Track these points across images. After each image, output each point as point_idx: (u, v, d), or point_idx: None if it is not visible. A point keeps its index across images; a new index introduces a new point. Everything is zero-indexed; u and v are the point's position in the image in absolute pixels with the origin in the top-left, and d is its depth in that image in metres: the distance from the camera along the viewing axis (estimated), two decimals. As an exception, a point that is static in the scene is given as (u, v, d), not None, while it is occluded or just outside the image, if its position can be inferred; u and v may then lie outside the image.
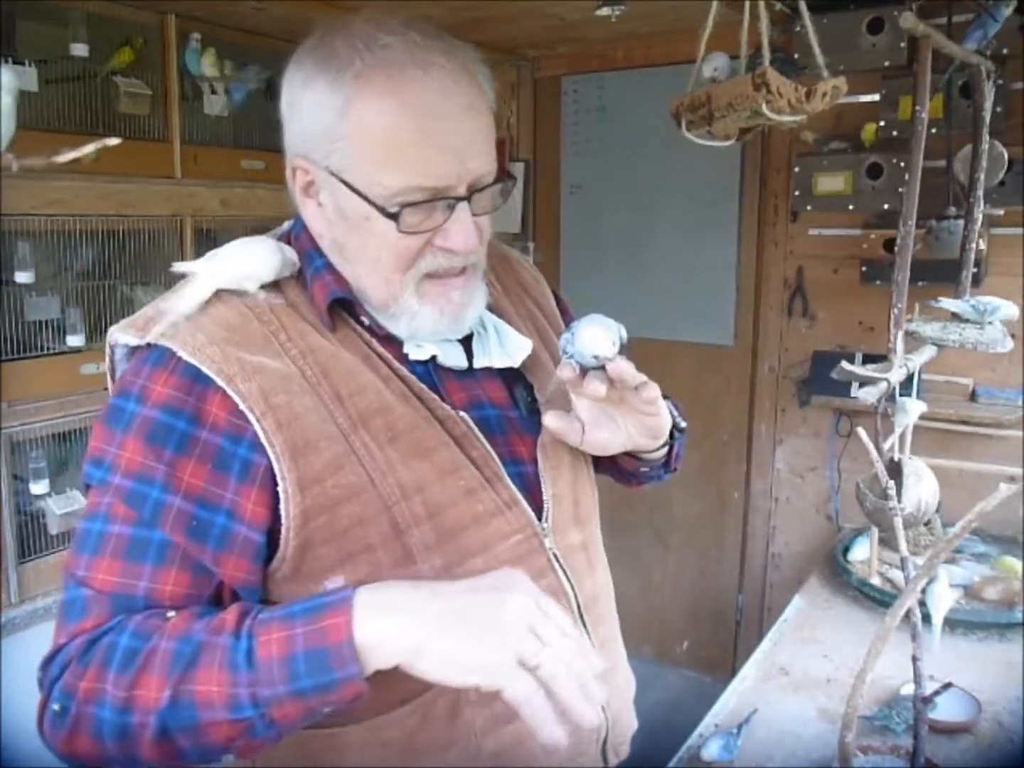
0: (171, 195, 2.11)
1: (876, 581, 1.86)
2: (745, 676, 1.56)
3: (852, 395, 2.21)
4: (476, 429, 0.86)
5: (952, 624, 1.65)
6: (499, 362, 0.90)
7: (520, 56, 2.80)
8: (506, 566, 0.83)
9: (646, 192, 2.71)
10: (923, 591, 1.36)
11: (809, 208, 2.32)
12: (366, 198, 0.79)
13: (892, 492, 1.07)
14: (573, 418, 0.89)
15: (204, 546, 0.76)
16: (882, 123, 2.12)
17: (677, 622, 2.83)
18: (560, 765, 0.90)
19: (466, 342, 0.90)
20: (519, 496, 0.87)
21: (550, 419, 0.88)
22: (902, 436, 1.43)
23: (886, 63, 1.97)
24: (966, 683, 1.42)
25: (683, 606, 2.84)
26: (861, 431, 1.10)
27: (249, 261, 0.83)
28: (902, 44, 1.92)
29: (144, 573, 0.75)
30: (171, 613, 0.74)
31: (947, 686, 1.11)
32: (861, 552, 1.98)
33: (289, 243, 0.89)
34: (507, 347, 0.91)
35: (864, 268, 2.26)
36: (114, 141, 0.68)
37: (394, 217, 0.79)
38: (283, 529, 0.77)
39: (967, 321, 1.49)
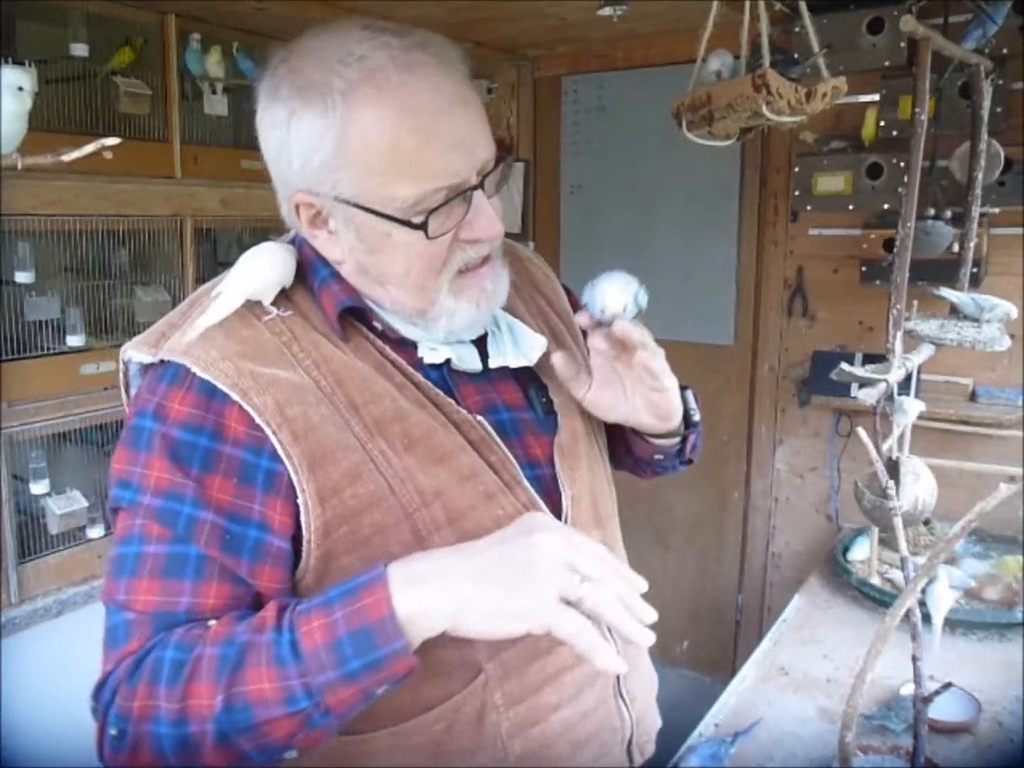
0: (171, 195, 2.11)
1: (876, 581, 1.86)
2: (745, 676, 1.56)
3: (852, 395, 2.22)
4: (493, 433, 0.85)
5: (952, 624, 1.65)
6: (514, 361, 0.90)
7: (520, 56, 2.80)
8: None
9: (646, 192, 2.71)
10: (923, 591, 1.36)
11: (809, 208, 2.32)
12: (386, 216, 0.78)
13: (892, 491, 1.07)
14: (582, 367, 0.88)
15: (239, 559, 0.76)
16: (882, 123, 2.12)
17: (677, 622, 2.83)
18: (586, 766, 0.90)
19: (480, 342, 0.90)
20: (538, 499, 0.87)
21: (558, 359, 0.88)
22: (901, 435, 1.43)
23: (886, 63, 1.97)
24: (966, 683, 1.42)
25: (683, 606, 2.84)
26: (861, 431, 1.10)
27: (271, 269, 0.83)
28: (902, 44, 1.92)
29: (184, 589, 0.75)
30: (212, 622, 0.73)
31: (947, 686, 1.11)
32: (861, 552, 1.98)
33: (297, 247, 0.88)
34: (522, 346, 0.91)
35: (864, 268, 2.26)
36: (112, 141, 0.68)
37: (422, 227, 0.77)
38: (304, 541, 0.77)
39: (965, 319, 1.49)
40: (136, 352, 0.81)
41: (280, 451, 0.76)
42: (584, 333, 0.90)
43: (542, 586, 0.67)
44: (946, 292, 1.53)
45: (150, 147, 2.07)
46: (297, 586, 0.80)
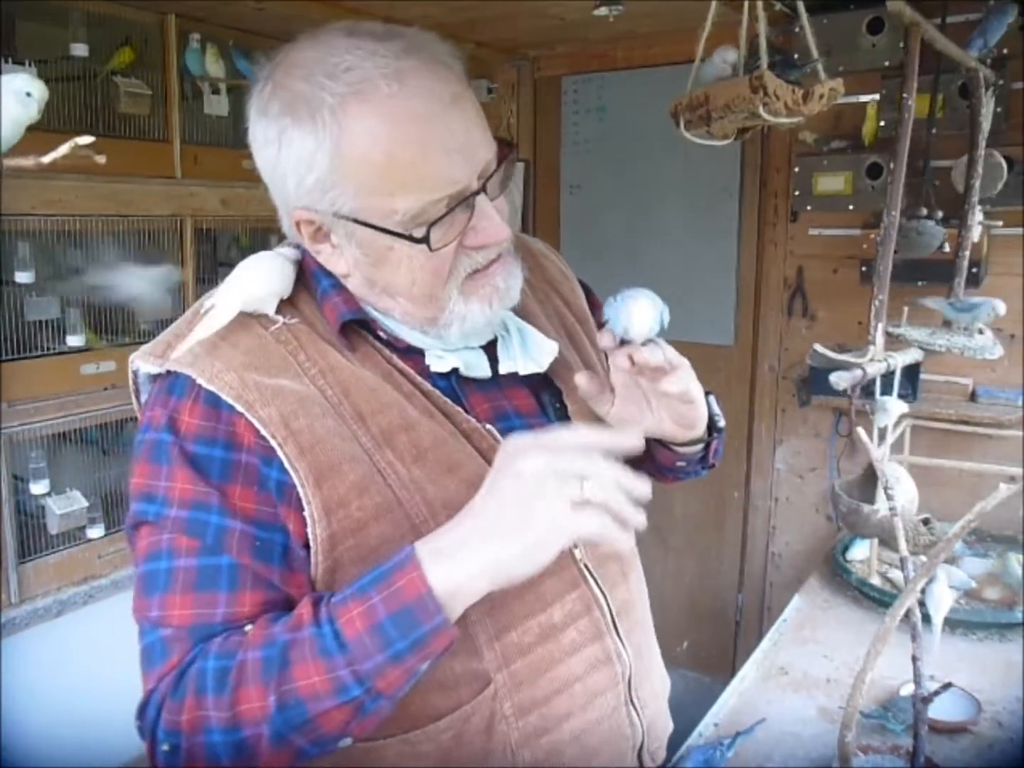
0: (171, 195, 2.11)
1: (876, 581, 1.86)
2: (745, 676, 1.56)
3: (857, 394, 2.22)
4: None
5: (952, 624, 1.65)
6: (524, 368, 0.88)
7: (520, 56, 2.80)
8: (539, 578, 0.82)
9: (646, 192, 2.71)
10: (922, 591, 1.36)
11: (809, 208, 2.32)
12: (386, 231, 0.76)
13: (891, 491, 1.07)
14: (605, 384, 0.87)
15: (271, 566, 0.76)
16: (882, 123, 2.12)
17: (677, 622, 2.83)
18: None
19: (489, 348, 0.88)
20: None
21: (581, 379, 0.86)
22: (883, 436, 1.43)
23: (886, 63, 1.97)
24: (966, 683, 1.42)
25: (683, 606, 2.84)
26: (861, 431, 1.10)
27: (266, 280, 0.82)
28: (902, 44, 1.92)
29: (220, 600, 0.74)
30: (248, 627, 0.73)
31: (947, 686, 1.10)
32: (861, 552, 1.98)
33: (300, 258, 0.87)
34: (532, 351, 0.89)
35: (864, 268, 2.26)
36: (86, 139, 0.68)
37: (424, 240, 0.75)
38: (312, 552, 0.77)
39: (956, 327, 1.49)
40: (143, 362, 0.81)
41: (286, 464, 0.75)
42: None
43: (550, 506, 0.67)
44: (930, 302, 1.52)
45: (150, 147, 2.07)
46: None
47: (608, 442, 0.72)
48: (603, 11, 2.07)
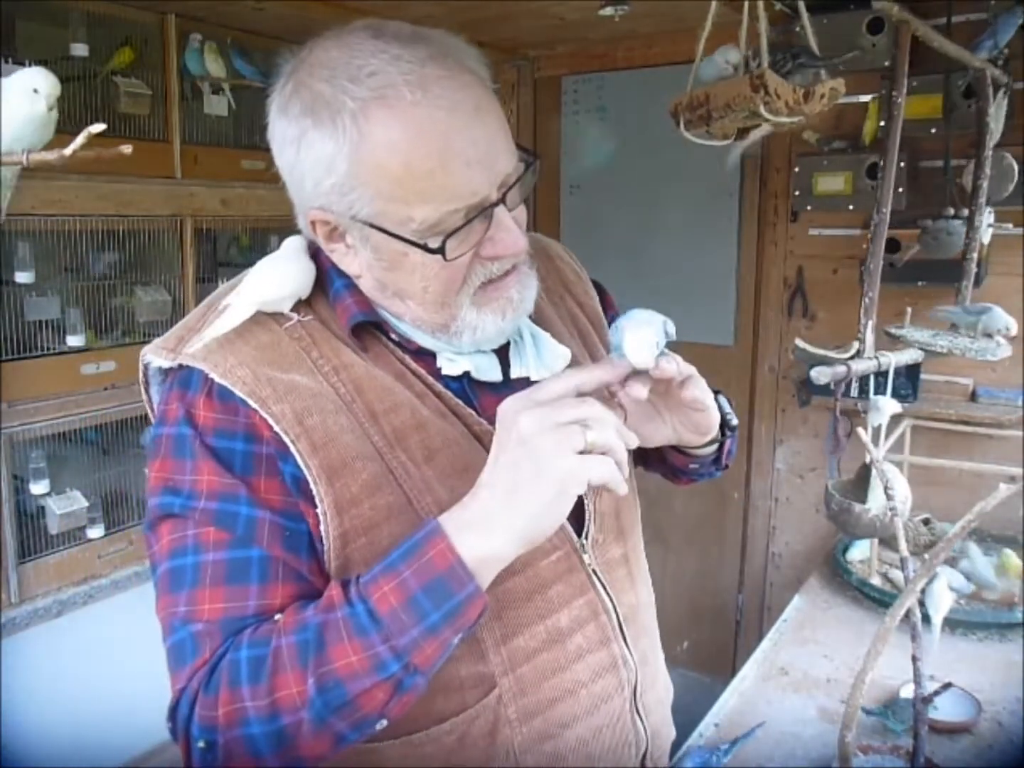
0: (171, 195, 2.11)
1: (876, 581, 1.86)
2: (745, 676, 1.56)
3: (852, 395, 2.22)
4: None
5: (952, 624, 1.65)
6: (536, 374, 0.87)
7: (520, 56, 2.80)
8: (547, 583, 0.84)
9: (646, 192, 2.71)
10: (922, 591, 1.36)
11: (809, 208, 2.32)
12: (402, 238, 0.75)
13: (892, 491, 1.07)
14: (615, 405, 0.86)
15: (300, 557, 0.76)
16: (882, 123, 2.12)
17: (677, 622, 2.83)
18: None
19: (501, 351, 0.88)
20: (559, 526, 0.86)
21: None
22: (876, 435, 1.43)
23: (886, 63, 1.97)
24: (966, 683, 1.42)
25: (683, 606, 2.84)
26: (861, 431, 1.10)
27: (285, 281, 0.81)
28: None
29: (251, 593, 0.74)
30: (277, 616, 0.73)
31: (947, 686, 1.11)
32: (861, 552, 1.98)
33: (315, 254, 0.86)
34: (545, 357, 0.88)
35: (864, 268, 2.26)
36: (98, 128, 0.68)
37: (439, 251, 0.74)
38: (324, 549, 0.77)
39: (962, 330, 1.48)
40: (155, 356, 0.81)
41: (300, 461, 0.75)
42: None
43: (558, 460, 0.67)
44: (942, 313, 1.52)
45: (150, 147, 2.07)
46: None
47: (597, 377, 0.73)
48: (609, 11, 2.07)
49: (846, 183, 2.21)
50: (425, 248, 0.75)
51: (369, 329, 0.83)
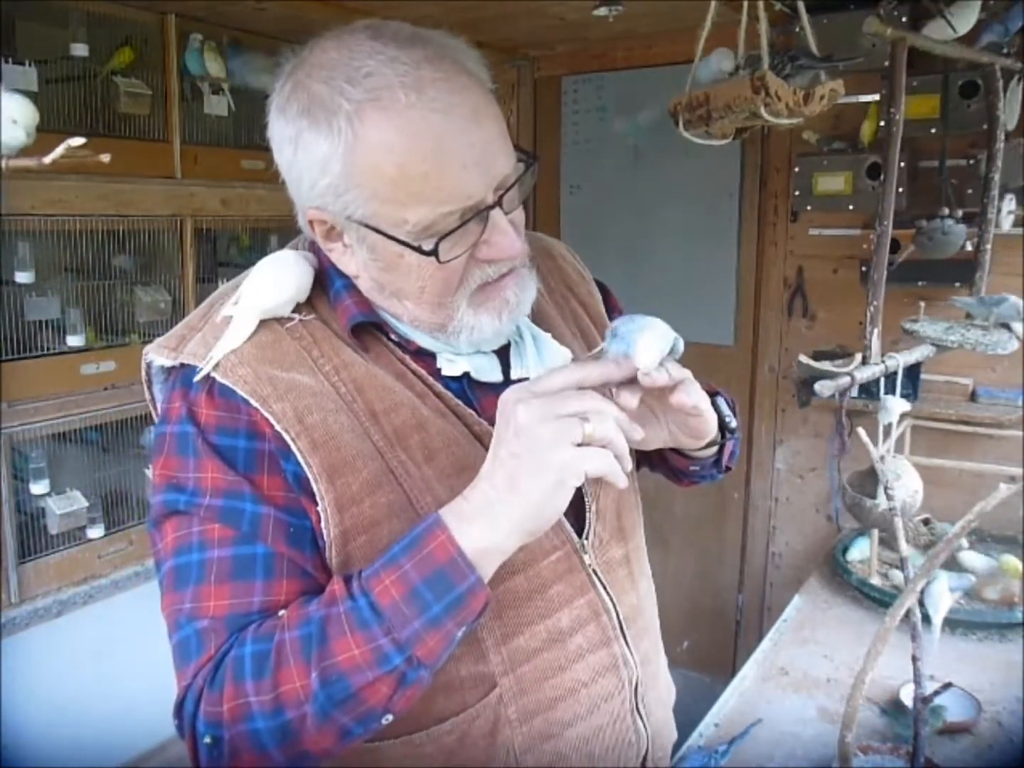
0: (171, 195, 2.11)
1: (876, 581, 1.86)
2: (745, 676, 1.56)
3: (852, 395, 2.22)
4: None
5: (952, 624, 1.65)
6: (536, 375, 0.86)
7: (520, 56, 2.80)
8: (547, 583, 0.84)
9: (646, 192, 2.71)
10: (922, 591, 1.36)
11: (809, 208, 2.33)
12: (396, 239, 0.75)
13: (892, 491, 1.07)
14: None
15: (303, 553, 0.76)
16: (882, 123, 2.12)
17: (677, 622, 2.83)
18: None
19: (502, 352, 0.88)
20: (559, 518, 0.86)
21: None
22: (887, 433, 1.43)
23: (886, 63, 1.96)
24: (966, 683, 1.43)
25: (683, 606, 2.84)
26: (861, 431, 1.10)
27: (284, 288, 0.81)
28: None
29: (256, 589, 0.74)
30: (281, 612, 0.73)
31: (947, 686, 1.10)
32: (861, 552, 1.98)
33: (315, 253, 0.86)
34: (545, 358, 0.88)
35: (864, 268, 2.26)
36: (78, 141, 0.68)
37: (433, 253, 0.74)
38: (325, 547, 0.77)
39: (975, 323, 1.48)
40: (157, 355, 0.81)
41: (300, 459, 0.75)
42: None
43: (556, 452, 0.67)
44: (959, 301, 1.52)
45: (150, 147, 2.07)
46: None
47: (600, 375, 0.73)
48: (603, 11, 2.08)
49: (846, 183, 2.21)
50: (419, 250, 0.75)
51: (369, 329, 0.84)
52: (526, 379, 0.85)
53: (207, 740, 0.71)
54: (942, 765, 1.21)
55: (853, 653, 1.59)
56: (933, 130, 2.03)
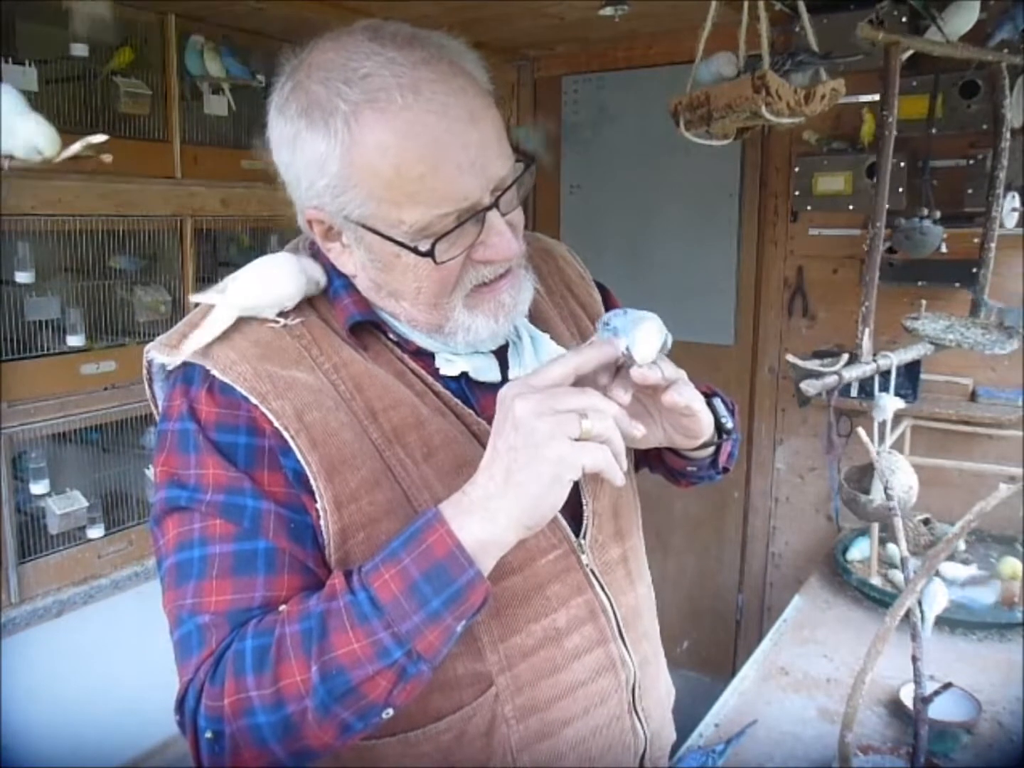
0: (171, 195, 2.11)
1: (876, 581, 1.86)
2: (745, 676, 1.56)
3: (852, 395, 2.22)
4: None
5: (952, 624, 1.65)
6: None
7: (520, 56, 2.80)
8: (544, 582, 0.84)
9: (646, 192, 2.71)
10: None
11: (809, 208, 2.33)
12: (393, 240, 0.76)
13: (892, 491, 1.07)
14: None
15: (304, 548, 0.76)
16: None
17: (677, 622, 2.83)
18: None
19: (500, 352, 0.88)
20: (556, 514, 0.86)
21: None
22: (881, 431, 1.44)
23: (886, 63, 1.97)
24: (966, 683, 1.42)
25: (683, 606, 2.84)
26: (861, 431, 1.11)
27: (268, 290, 0.81)
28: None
29: (257, 584, 0.74)
30: (282, 607, 0.73)
31: (947, 686, 1.10)
32: (861, 552, 1.98)
33: (316, 253, 0.86)
34: (542, 359, 0.88)
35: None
36: (99, 138, 0.68)
37: (429, 254, 0.75)
38: (324, 544, 0.77)
39: (975, 322, 1.49)
40: (158, 353, 0.81)
41: (299, 456, 0.76)
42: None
43: (553, 447, 0.68)
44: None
45: (150, 147, 2.07)
46: None
47: (594, 357, 0.73)
48: (608, 11, 2.08)
49: (846, 183, 2.21)
50: (415, 251, 0.75)
51: (368, 328, 0.84)
52: None
53: (208, 735, 0.71)
54: (942, 765, 1.21)
55: (853, 653, 1.60)
56: (934, 130, 2.03)
